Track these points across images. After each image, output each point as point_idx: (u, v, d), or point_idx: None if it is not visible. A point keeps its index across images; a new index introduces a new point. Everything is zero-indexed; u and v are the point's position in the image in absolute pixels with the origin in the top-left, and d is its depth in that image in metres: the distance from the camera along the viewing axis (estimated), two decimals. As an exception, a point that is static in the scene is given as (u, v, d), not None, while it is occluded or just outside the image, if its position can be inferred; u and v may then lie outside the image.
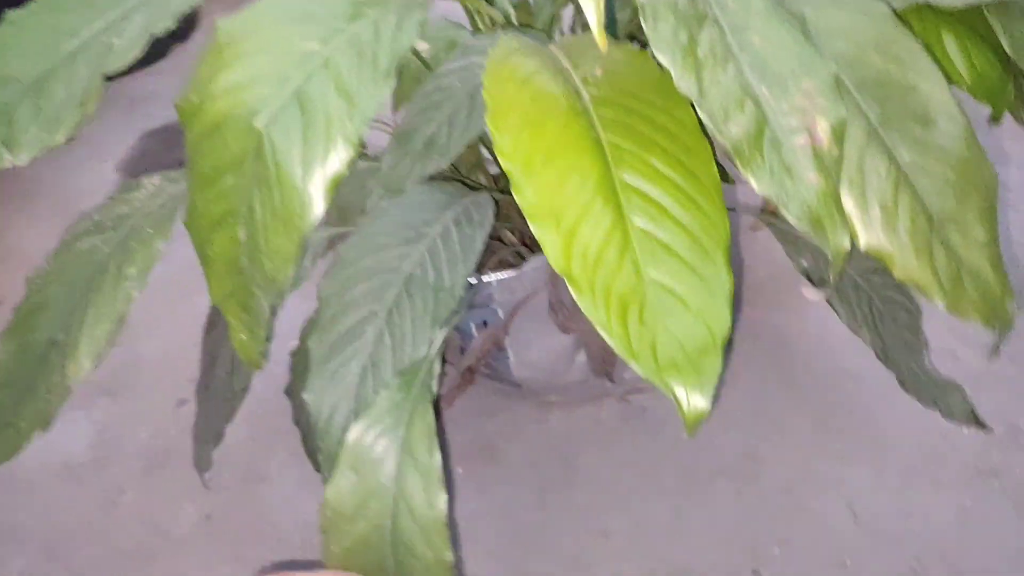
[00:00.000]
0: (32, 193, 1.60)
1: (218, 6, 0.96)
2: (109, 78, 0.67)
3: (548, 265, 0.94)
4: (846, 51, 0.57)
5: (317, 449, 0.79)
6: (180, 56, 1.86)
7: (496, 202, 0.85)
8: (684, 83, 0.53)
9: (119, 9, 0.67)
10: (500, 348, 1.04)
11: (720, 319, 0.55)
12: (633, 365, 0.54)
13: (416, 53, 0.91)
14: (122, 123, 1.71)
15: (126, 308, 0.72)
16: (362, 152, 1.05)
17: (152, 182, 0.78)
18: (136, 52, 0.65)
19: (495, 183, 1.05)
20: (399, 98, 0.94)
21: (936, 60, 0.62)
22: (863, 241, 0.58)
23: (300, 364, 0.93)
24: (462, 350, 1.05)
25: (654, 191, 0.58)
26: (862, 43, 0.57)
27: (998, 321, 0.60)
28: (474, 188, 0.87)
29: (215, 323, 0.94)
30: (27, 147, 0.66)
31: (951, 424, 1.04)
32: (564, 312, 0.96)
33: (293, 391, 0.99)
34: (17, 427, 0.74)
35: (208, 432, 0.94)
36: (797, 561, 0.96)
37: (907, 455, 1.04)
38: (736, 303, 1.22)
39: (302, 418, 1.00)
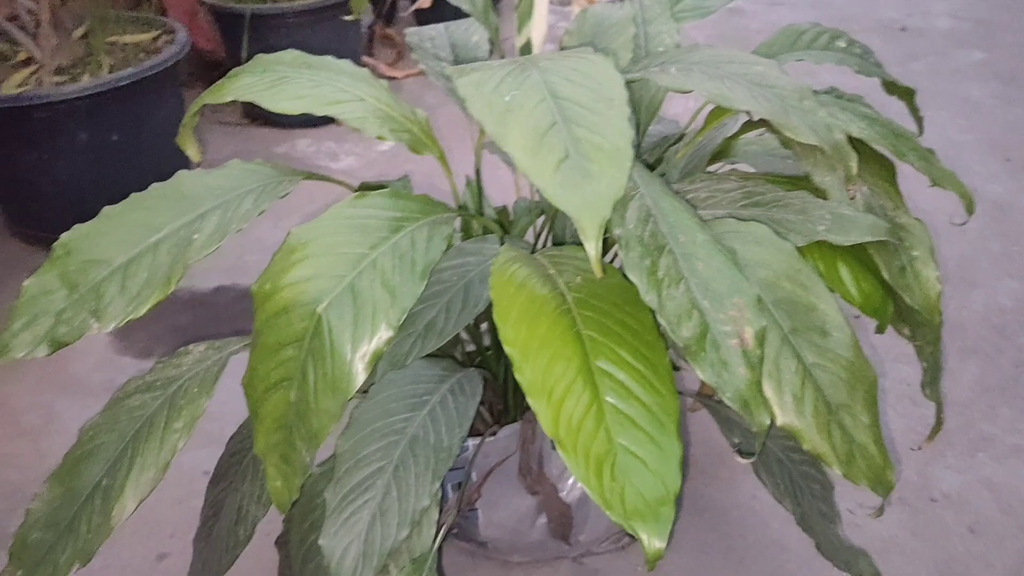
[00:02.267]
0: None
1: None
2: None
3: (519, 433, 1.10)
4: (765, 277, 0.77)
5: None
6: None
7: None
8: (648, 296, 0.71)
9: (198, 210, 0.84)
10: (471, 508, 1.16)
11: (672, 477, 0.70)
12: (607, 512, 0.69)
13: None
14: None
15: (171, 456, 0.84)
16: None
17: (198, 349, 0.92)
18: (212, 248, 0.81)
19: (470, 359, 1.21)
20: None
21: (833, 284, 0.82)
22: (779, 420, 0.75)
23: (298, 515, 1.05)
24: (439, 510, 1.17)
25: (622, 375, 0.75)
26: (777, 272, 0.77)
27: (881, 487, 0.77)
28: (463, 364, 1.03)
29: (221, 477, 1.05)
30: (111, 318, 0.80)
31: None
32: (532, 476, 1.10)
33: (284, 541, 1.09)
34: (56, 563, 0.84)
35: (207, 578, 1.03)
36: None
37: (828, 618, 1.17)
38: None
39: (290, 570, 1.10)
